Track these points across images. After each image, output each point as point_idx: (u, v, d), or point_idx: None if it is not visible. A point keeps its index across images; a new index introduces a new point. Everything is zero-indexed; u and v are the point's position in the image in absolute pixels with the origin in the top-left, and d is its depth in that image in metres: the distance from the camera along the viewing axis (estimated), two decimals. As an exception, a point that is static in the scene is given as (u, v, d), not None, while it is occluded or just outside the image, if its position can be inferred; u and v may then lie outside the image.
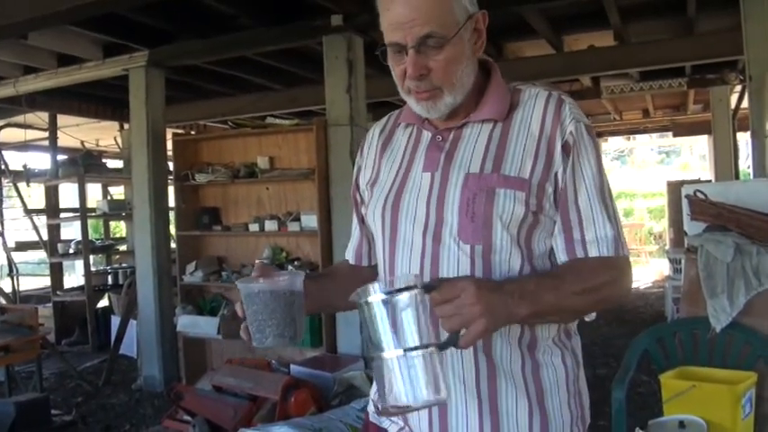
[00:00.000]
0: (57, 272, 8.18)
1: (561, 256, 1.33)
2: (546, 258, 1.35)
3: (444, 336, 1.15)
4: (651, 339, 3.26)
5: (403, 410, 1.14)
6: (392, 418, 1.45)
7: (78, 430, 4.89)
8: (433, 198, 1.34)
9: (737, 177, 9.36)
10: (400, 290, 1.09)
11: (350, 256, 1.64)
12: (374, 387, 1.54)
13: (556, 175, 1.31)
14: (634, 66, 7.19)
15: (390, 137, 1.52)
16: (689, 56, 6.72)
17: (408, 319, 1.09)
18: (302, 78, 7.40)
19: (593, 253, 1.31)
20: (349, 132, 5.17)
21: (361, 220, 1.58)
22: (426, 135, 1.42)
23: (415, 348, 1.09)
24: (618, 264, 1.33)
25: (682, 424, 2.73)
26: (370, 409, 1.54)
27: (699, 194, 3.50)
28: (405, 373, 1.09)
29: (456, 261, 1.30)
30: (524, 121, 1.34)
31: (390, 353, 1.09)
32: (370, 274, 1.53)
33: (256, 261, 1.30)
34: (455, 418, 1.33)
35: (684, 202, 3.62)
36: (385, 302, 1.09)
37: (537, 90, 1.38)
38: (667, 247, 9.90)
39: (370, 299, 1.10)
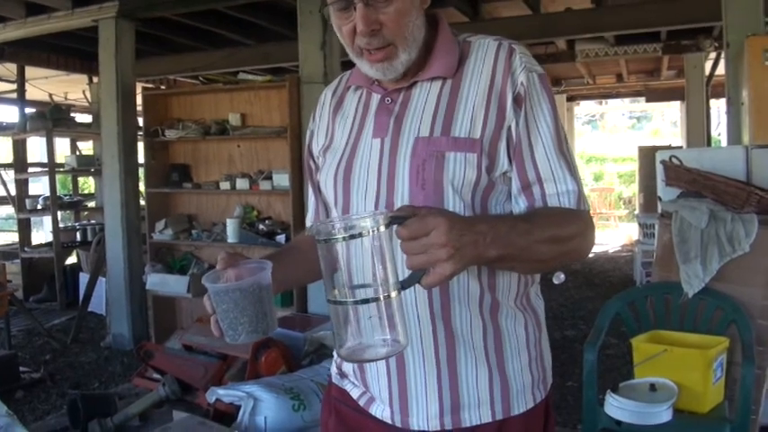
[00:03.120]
0: (24, 228, 8.02)
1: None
2: None
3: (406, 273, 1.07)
4: (623, 303, 3.28)
5: (361, 358, 1.07)
6: (354, 382, 1.43)
7: (47, 387, 4.84)
8: (383, 166, 1.29)
9: (709, 144, 9.44)
10: (360, 227, 1.00)
11: (308, 225, 1.59)
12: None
13: (509, 129, 1.26)
14: (610, 29, 7.18)
15: (341, 100, 1.46)
16: (665, 21, 6.70)
17: (369, 256, 1.01)
18: (275, 33, 7.30)
19: (554, 206, 1.26)
20: (323, 90, 5.07)
21: (317, 189, 1.53)
22: (375, 98, 1.37)
23: (376, 287, 1.01)
24: (582, 217, 1.27)
25: (653, 387, 2.77)
26: (333, 370, 1.52)
27: (674, 160, 3.51)
28: (362, 315, 1.02)
29: None
30: (474, 75, 1.29)
31: (348, 293, 1.02)
32: None
33: (220, 254, 1.24)
34: (414, 385, 1.31)
35: (659, 168, 3.63)
36: (345, 239, 1.00)
37: (487, 41, 1.32)
38: (637, 212, 9.99)
39: (328, 236, 1.01)
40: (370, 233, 1.00)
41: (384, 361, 1.31)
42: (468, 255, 1.05)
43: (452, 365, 1.30)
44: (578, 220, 1.26)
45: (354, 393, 1.43)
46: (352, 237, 1.00)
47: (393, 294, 1.02)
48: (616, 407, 2.71)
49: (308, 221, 1.60)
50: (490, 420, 1.32)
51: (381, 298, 1.01)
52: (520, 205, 1.28)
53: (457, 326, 1.28)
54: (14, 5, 5.92)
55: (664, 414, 2.65)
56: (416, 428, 1.33)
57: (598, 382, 2.99)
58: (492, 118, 1.26)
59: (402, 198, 1.27)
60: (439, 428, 1.32)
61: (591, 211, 1.34)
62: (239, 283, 1.16)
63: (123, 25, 5.75)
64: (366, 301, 1.01)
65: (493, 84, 1.27)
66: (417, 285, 1.06)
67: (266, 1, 6.19)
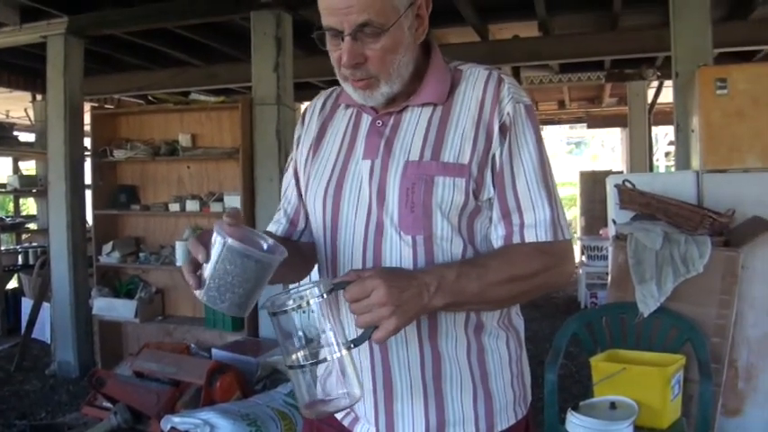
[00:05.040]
0: (-36, 251, 7.70)
1: (498, 243, 1.31)
2: (488, 243, 1.34)
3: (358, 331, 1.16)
4: (580, 323, 3.34)
5: (323, 411, 1.15)
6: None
7: (-9, 418, 4.65)
8: (373, 188, 1.31)
9: (651, 169, 9.69)
10: (307, 297, 1.10)
11: (276, 221, 1.54)
12: None
13: (493, 157, 1.29)
14: (556, 57, 7.34)
15: (331, 116, 1.47)
16: (610, 50, 6.88)
17: (319, 322, 1.10)
18: (223, 54, 7.25)
19: (530, 238, 1.28)
20: (275, 112, 5.09)
21: (297, 184, 1.50)
22: (366, 119, 1.38)
23: (329, 348, 1.11)
24: (555, 250, 1.30)
25: (613, 405, 2.81)
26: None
27: (627, 184, 3.59)
28: (319, 375, 1.12)
29: (398, 251, 1.28)
30: (464, 103, 1.32)
31: (303, 357, 1.11)
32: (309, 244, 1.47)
33: (230, 207, 1.25)
34: (401, 404, 1.32)
35: (612, 192, 3.71)
36: (294, 310, 1.10)
37: (477, 70, 1.35)
38: (579, 235, 10.18)
39: (279, 308, 1.10)
40: (317, 301, 1.10)
41: (371, 381, 1.33)
42: (412, 308, 1.14)
43: (438, 384, 1.31)
44: (545, 255, 1.29)
45: (338, 414, 1.42)
46: (300, 307, 1.10)
47: (344, 353, 1.11)
48: (578, 425, 2.74)
49: (277, 223, 1.53)
50: None
51: (334, 358, 1.11)
52: (498, 232, 1.31)
53: (443, 346, 1.31)
54: (-41, 20, 5.73)
55: (625, 431, 2.69)
56: None
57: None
58: (480, 145, 1.28)
59: (392, 220, 1.28)
60: None
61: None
62: (262, 254, 1.14)
63: (72, 42, 5.63)
64: (319, 363, 1.12)
65: (481, 112, 1.30)
66: None
67: (216, 22, 6.15)
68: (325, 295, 1.10)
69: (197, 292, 1.15)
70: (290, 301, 1.09)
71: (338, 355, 1.10)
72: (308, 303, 1.09)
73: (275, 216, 1.55)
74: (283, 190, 1.55)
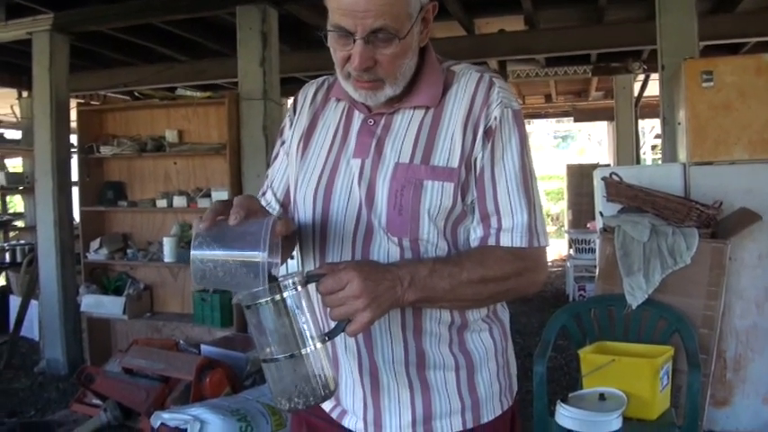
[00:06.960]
0: (-50, 248, 7.64)
1: (475, 244, 1.32)
2: (469, 246, 1.34)
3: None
4: (569, 315, 3.36)
5: (299, 406, 1.13)
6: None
7: (-20, 417, 4.61)
8: (363, 188, 1.31)
9: (638, 162, 9.73)
10: (281, 289, 1.08)
11: (272, 198, 1.52)
12: None
13: (476, 160, 1.29)
14: (542, 51, 7.33)
15: (323, 108, 1.46)
16: (596, 44, 6.91)
17: (294, 314, 1.09)
18: (209, 50, 7.22)
19: (505, 243, 1.29)
20: (262, 107, 5.08)
21: (287, 169, 1.49)
22: (358, 116, 1.37)
23: (304, 341, 1.09)
24: (529, 255, 1.31)
25: (602, 396, 2.83)
26: None
27: (614, 177, 3.61)
28: (293, 368, 1.09)
29: (386, 251, 1.29)
30: (455, 106, 1.31)
31: (277, 350, 1.09)
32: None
33: (288, 217, 1.28)
34: (387, 398, 1.34)
35: (600, 185, 3.73)
36: (269, 302, 1.08)
37: (470, 71, 1.35)
38: (566, 228, 10.22)
39: (252, 301, 1.09)
40: (290, 294, 1.09)
41: (358, 375, 1.34)
42: (386, 301, 1.14)
43: (423, 377, 1.33)
44: (518, 259, 1.29)
45: (326, 406, 1.43)
46: (274, 300, 1.09)
47: (319, 346, 1.11)
48: (567, 416, 2.76)
49: (269, 208, 1.50)
50: (461, 429, 1.35)
51: (309, 351, 1.10)
52: (476, 233, 1.32)
53: (426, 343, 1.32)
54: (-57, 16, 5.67)
55: (614, 422, 2.71)
56: None
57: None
58: (467, 148, 1.29)
59: (380, 221, 1.29)
60: None
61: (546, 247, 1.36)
62: (264, 289, 1.10)
63: (58, 38, 5.59)
64: (293, 356, 1.09)
65: (470, 115, 1.30)
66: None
67: (202, 17, 6.11)
68: (299, 287, 1.10)
69: (199, 229, 1.12)
70: (264, 294, 1.08)
71: (313, 348, 1.10)
72: (282, 296, 1.08)
73: (263, 199, 1.52)
74: (273, 173, 1.53)
